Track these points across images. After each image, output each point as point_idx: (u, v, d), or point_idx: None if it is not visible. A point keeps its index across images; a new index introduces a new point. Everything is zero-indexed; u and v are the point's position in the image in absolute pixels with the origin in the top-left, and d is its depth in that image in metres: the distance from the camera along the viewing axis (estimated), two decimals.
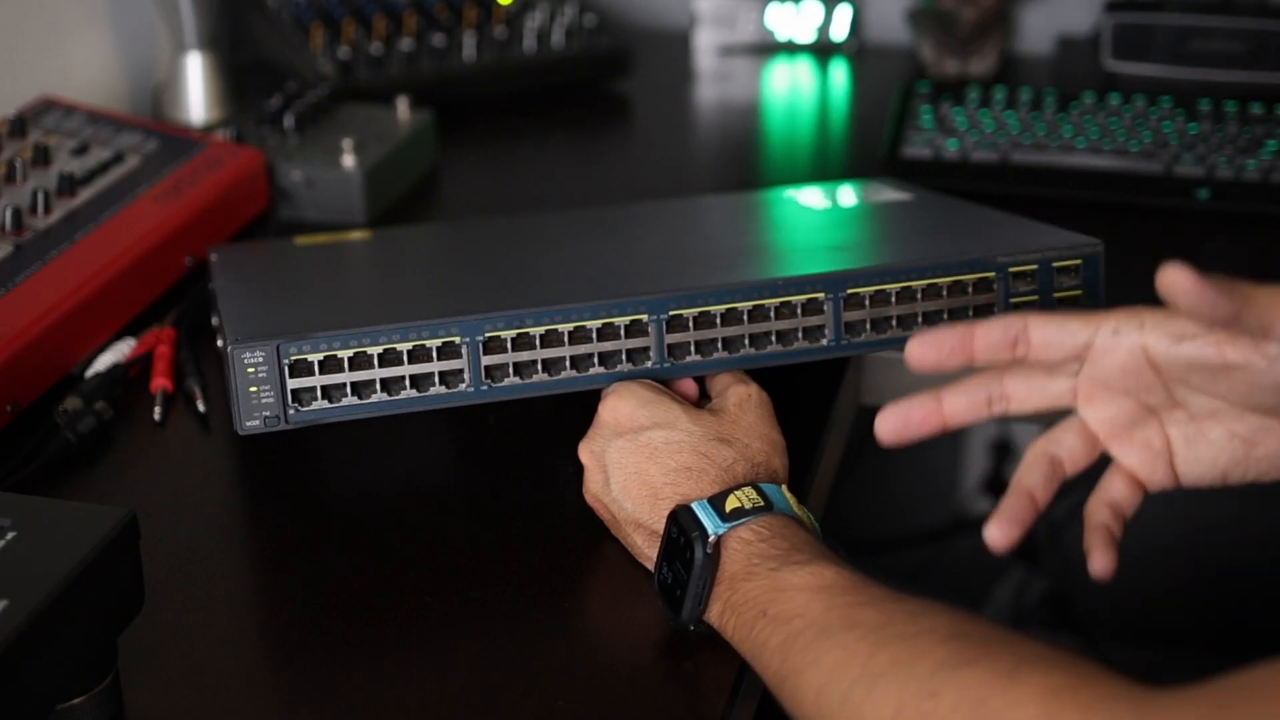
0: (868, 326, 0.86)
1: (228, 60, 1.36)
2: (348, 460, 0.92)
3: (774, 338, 0.85)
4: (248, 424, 0.80)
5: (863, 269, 0.86)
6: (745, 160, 1.41)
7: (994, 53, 1.50)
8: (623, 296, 0.83)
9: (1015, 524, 0.73)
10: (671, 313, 0.83)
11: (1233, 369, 0.68)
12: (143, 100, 1.39)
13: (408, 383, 0.81)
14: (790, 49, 1.62)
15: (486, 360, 0.82)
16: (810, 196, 1.09)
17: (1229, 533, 1.82)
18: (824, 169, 1.38)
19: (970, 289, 0.87)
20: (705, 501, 0.75)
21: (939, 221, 1.01)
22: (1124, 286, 0.94)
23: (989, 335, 0.72)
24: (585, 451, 0.82)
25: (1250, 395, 0.69)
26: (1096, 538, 0.75)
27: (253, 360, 0.79)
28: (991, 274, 0.87)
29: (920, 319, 0.87)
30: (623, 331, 0.83)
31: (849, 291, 0.85)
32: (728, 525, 0.73)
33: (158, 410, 0.94)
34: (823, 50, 1.61)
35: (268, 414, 0.80)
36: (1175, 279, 0.64)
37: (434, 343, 0.81)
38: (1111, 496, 0.75)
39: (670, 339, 0.84)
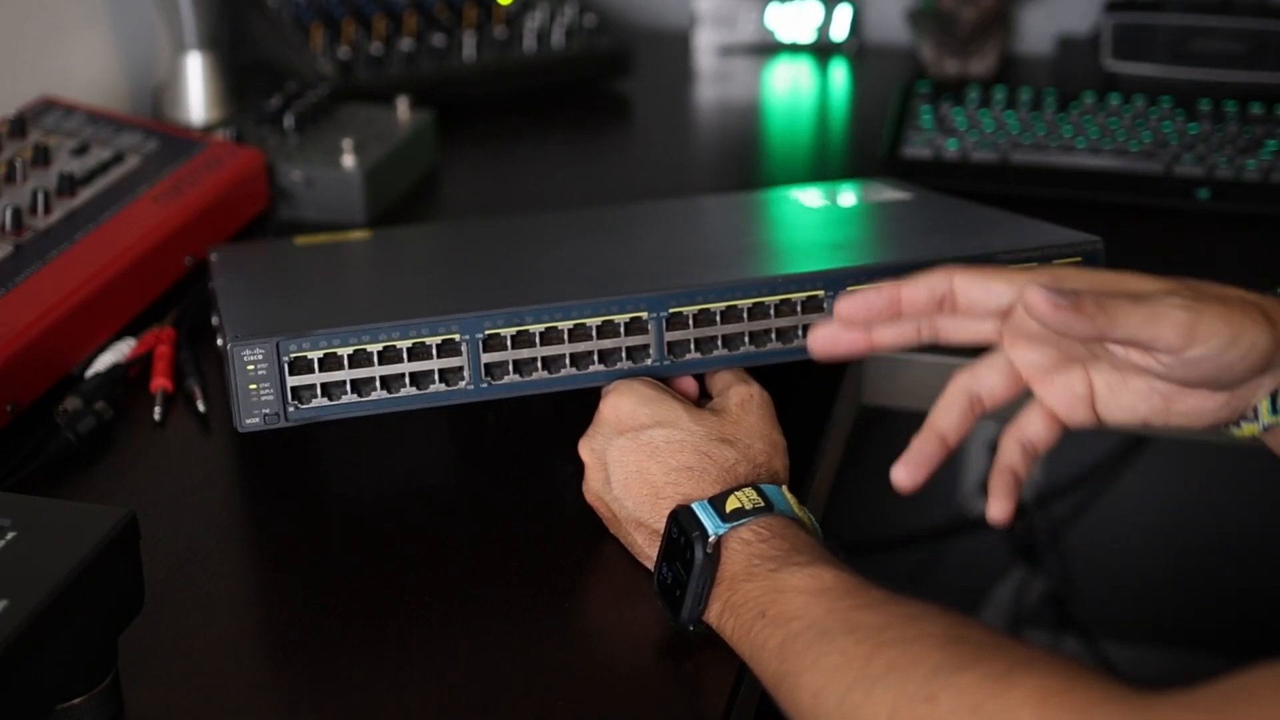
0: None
1: (228, 60, 1.36)
2: (348, 460, 0.92)
3: (774, 335, 0.85)
4: (247, 421, 0.80)
5: (862, 267, 0.86)
6: (745, 160, 1.41)
7: (994, 53, 1.50)
8: (623, 294, 0.83)
9: (922, 466, 0.75)
10: (671, 310, 0.83)
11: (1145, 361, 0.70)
12: (143, 100, 1.39)
13: (407, 380, 0.81)
14: (790, 49, 1.62)
15: (486, 358, 0.82)
16: (810, 196, 1.09)
17: (1229, 533, 1.83)
18: (824, 169, 1.38)
19: None
20: (706, 502, 0.75)
21: (939, 221, 1.01)
22: None
23: (915, 297, 0.73)
24: (586, 449, 0.82)
25: (1168, 373, 0.70)
26: (1001, 481, 0.76)
27: (252, 358, 0.79)
28: None
29: None
30: (623, 329, 0.83)
31: (849, 290, 0.85)
32: (728, 526, 0.73)
33: (158, 410, 0.94)
34: (823, 50, 1.61)
35: (267, 411, 0.80)
36: (1032, 302, 0.67)
37: (434, 340, 0.81)
38: (1027, 435, 0.77)
39: (670, 337, 0.84)
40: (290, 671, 0.76)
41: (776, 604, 0.69)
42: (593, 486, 0.81)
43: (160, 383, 0.96)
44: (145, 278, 1.03)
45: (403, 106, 1.29)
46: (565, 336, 0.82)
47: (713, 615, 0.73)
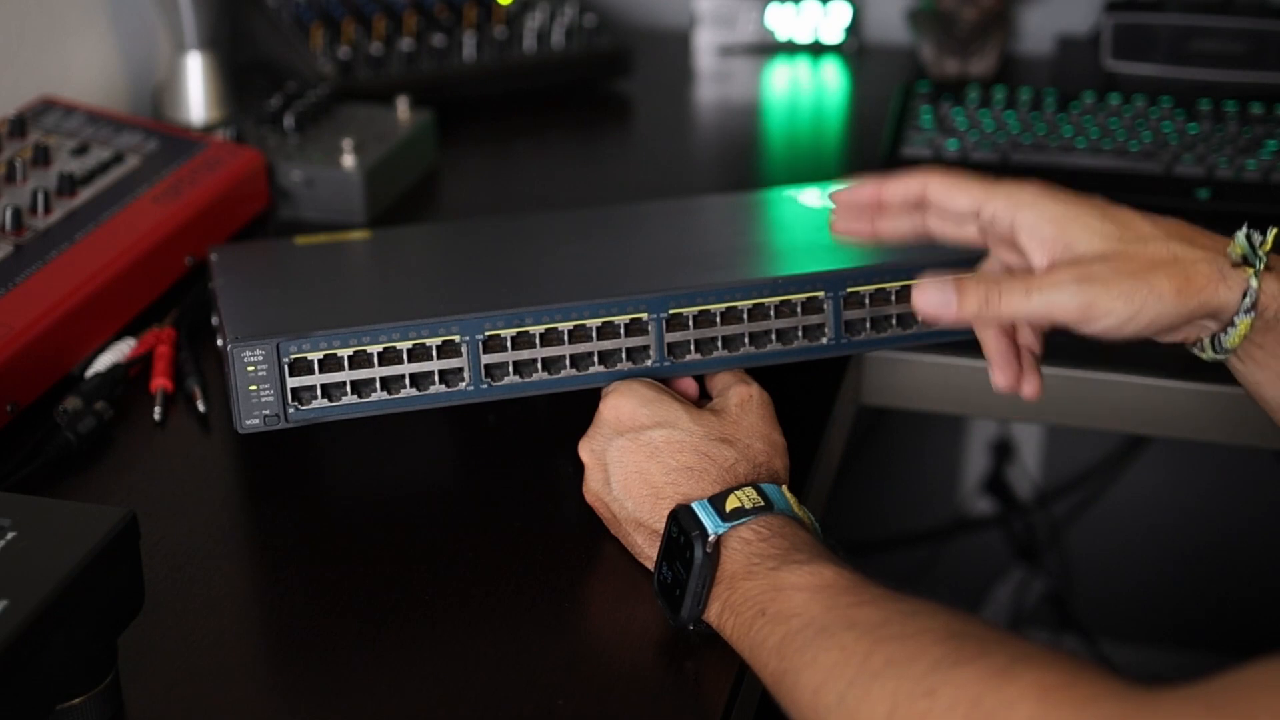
0: (868, 325, 0.86)
1: (228, 60, 1.36)
2: (348, 460, 0.92)
3: (774, 336, 0.85)
4: (248, 423, 0.80)
5: (862, 268, 0.86)
6: (745, 160, 1.41)
7: (994, 53, 1.50)
8: (623, 295, 0.83)
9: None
10: (671, 311, 0.83)
11: None
12: (143, 100, 1.39)
13: (407, 381, 0.81)
14: (790, 49, 1.62)
15: (486, 359, 0.82)
16: (810, 196, 1.09)
17: (1229, 533, 1.83)
18: (824, 169, 1.38)
19: None
20: (705, 501, 0.75)
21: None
22: None
23: (894, 194, 0.81)
24: (586, 450, 0.82)
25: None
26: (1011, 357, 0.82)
27: (252, 359, 0.79)
28: None
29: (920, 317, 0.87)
30: (623, 330, 0.83)
31: (849, 290, 0.85)
32: (728, 525, 0.73)
33: (158, 410, 0.94)
34: (823, 50, 1.61)
35: (267, 413, 0.80)
36: (915, 307, 0.75)
37: (434, 341, 0.81)
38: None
39: (670, 337, 0.84)
40: (290, 671, 0.76)
41: (776, 602, 0.69)
42: (593, 487, 0.81)
43: (160, 383, 0.96)
44: (145, 278, 1.03)
45: (403, 106, 1.29)
46: (565, 337, 0.82)
47: (712, 614, 0.73)
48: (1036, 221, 0.75)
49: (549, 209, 1.24)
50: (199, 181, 1.10)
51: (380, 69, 1.40)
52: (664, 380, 0.84)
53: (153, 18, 1.36)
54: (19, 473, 0.87)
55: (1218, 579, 1.85)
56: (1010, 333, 0.81)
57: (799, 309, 0.85)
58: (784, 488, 0.78)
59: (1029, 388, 0.82)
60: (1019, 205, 0.76)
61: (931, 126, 1.30)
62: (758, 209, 1.10)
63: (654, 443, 0.79)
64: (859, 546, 1.76)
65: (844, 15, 1.60)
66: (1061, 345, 0.90)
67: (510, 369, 0.82)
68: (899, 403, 1.07)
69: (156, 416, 0.94)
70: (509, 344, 0.82)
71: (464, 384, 0.82)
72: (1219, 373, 0.98)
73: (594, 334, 0.83)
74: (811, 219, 1.06)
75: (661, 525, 0.77)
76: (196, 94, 1.34)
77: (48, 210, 1.03)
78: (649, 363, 0.84)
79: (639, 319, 0.83)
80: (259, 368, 0.79)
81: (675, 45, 1.63)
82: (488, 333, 0.81)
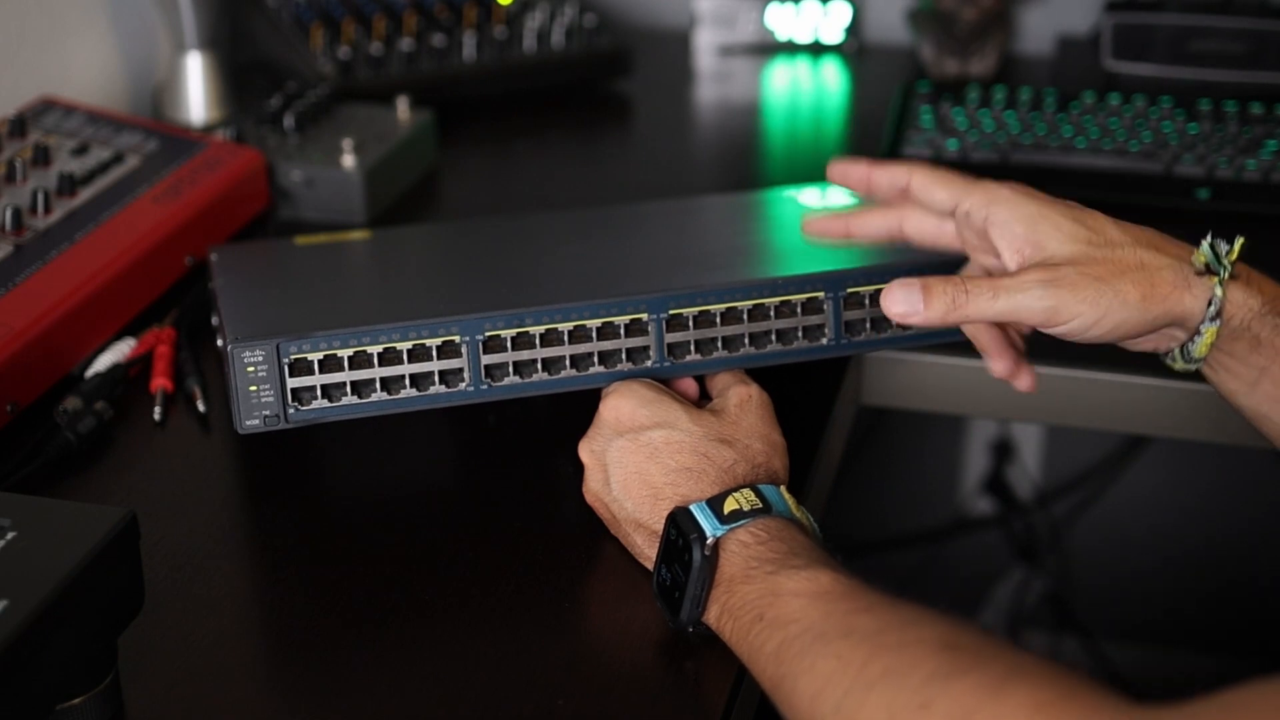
0: (868, 326, 0.86)
1: (228, 60, 1.36)
2: (348, 460, 0.92)
3: (774, 337, 0.85)
4: (248, 423, 0.80)
5: (863, 268, 0.86)
6: (745, 160, 1.41)
7: (994, 53, 1.50)
8: (623, 295, 0.83)
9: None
10: (671, 312, 0.83)
11: None
12: (143, 100, 1.39)
13: (407, 382, 0.81)
14: (790, 49, 1.62)
15: (486, 359, 0.82)
16: (810, 196, 1.09)
17: (1229, 533, 1.83)
18: (824, 169, 1.38)
19: None
20: (704, 503, 0.75)
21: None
22: None
23: (880, 181, 0.84)
24: (586, 450, 0.82)
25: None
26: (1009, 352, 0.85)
27: (252, 359, 0.79)
28: None
29: None
30: (623, 330, 0.83)
31: (849, 291, 0.86)
32: (726, 528, 0.73)
33: (158, 410, 0.94)
34: (823, 50, 1.61)
35: (268, 413, 0.80)
36: (884, 307, 0.78)
37: (434, 342, 0.81)
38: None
39: (670, 338, 0.84)
40: (290, 671, 0.76)
41: (774, 607, 0.69)
42: (592, 487, 0.81)
43: (160, 383, 0.96)
44: (145, 278, 1.03)
45: (403, 106, 1.29)
46: (565, 338, 0.82)
47: (711, 617, 0.73)
48: (1009, 219, 0.77)
49: (549, 209, 1.24)
50: (199, 181, 1.10)
51: (380, 69, 1.40)
52: (664, 381, 0.84)
53: (153, 18, 1.36)
54: (19, 473, 0.87)
55: (1218, 579, 1.85)
56: (999, 325, 0.82)
57: (799, 309, 0.85)
58: (783, 489, 0.78)
59: (1025, 379, 0.84)
60: (993, 201, 0.78)
61: (931, 126, 1.30)
62: (758, 209, 1.10)
63: (653, 443, 0.79)
64: (859, 546, 1.77)
65: (844, 15, 1.60)
66: (1062, 346, 0.90)
67: (510, 369, 0.82)
68: (899, 403, 1.07)
69: (156, 416, 0.94)
70: (509, 344, 0.82)
71: (464, 384, 0.82)
72: None
73: (594, 334, 0.83)
74: None
75: (661, 526, 0.77)
76: (196, 94, 1.34)
77: (48, 210, 1.03)
78: (649, 363, 0.84)
79: (639, 319, 0.83)
80: (259, 368, 0.79)
81: (675, 45, 1.63)
82: (488, 333, 0.81)
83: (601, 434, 0.81)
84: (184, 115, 1.34)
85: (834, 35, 1.60)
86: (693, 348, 0.84)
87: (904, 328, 0.87)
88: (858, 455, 1.54)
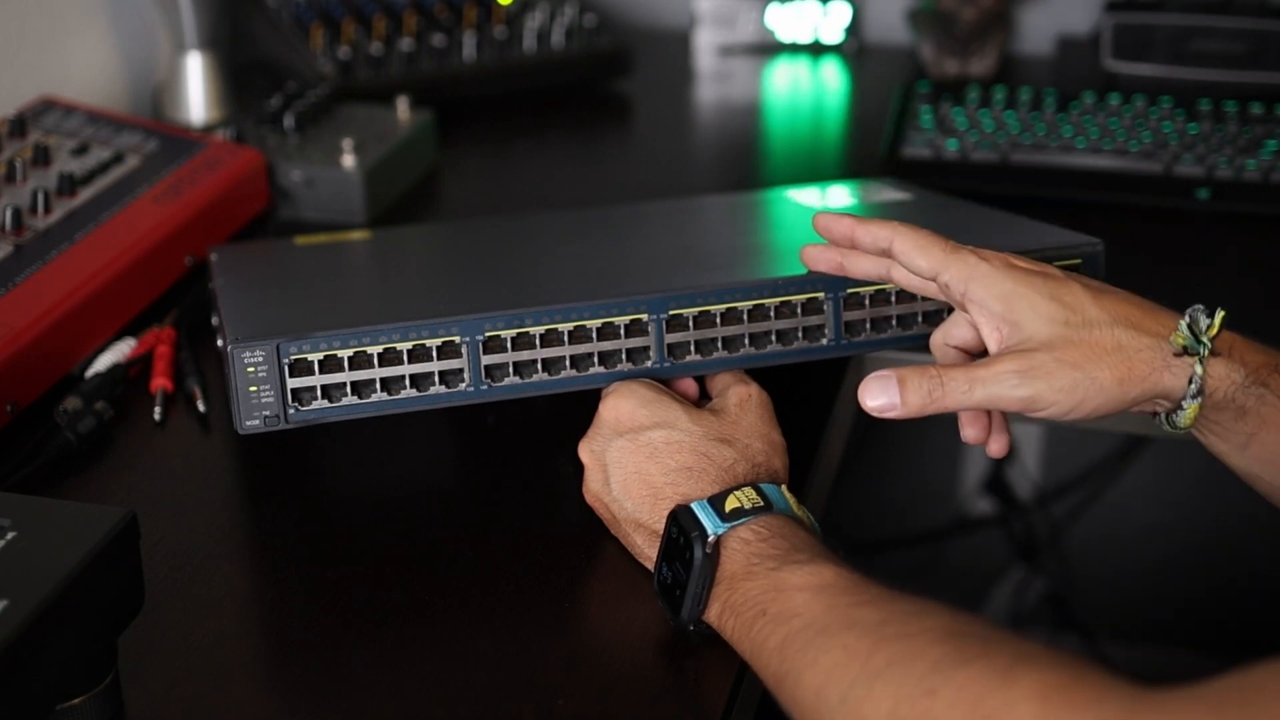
0: (868, 326, 0.86)
1: (228, 60, 1.36)
2: (348, 460, 0.92)
3: (774, 337, 0.85)
4: (248, 424, 0.80)
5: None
6: (745, 160, 1.41)
7: (994, 53, 1.50)
8: (623, 296, 0.83)
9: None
10: (671, 312, 0.83)
11: None
12: (143, 100, 1.39)
13: (408, 382, 0.81)
14: (790, 49, 1.62)
15: (486, 360, 0.82)
16: (810, 196, 1.09)
17: (1229, 533, 1.83)
18: (824, 169, 1.38)
19: None
20: (705, 501, 0.75)
21: (939, 221, 1.01)
22: (1124, 286, 0.94)
23: (863, 240, 0.82)
24: (585, 451, 0.82)
25: None
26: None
27: (253, 360, 0.79)
28: None
29: (920, 318, 0.87)
30: (623, 331, 0.83)
31: (849, 291, 0.85)
32: (727, 525, 0.73)
33: (158, 410, 0.94)
34: (822, 50, 1.61)
35: (268, 414, 0.80)
36: (862, 402, 0.76)
37: (434, 342, 0.81)
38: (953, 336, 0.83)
39: (670, 338, 0.84)
40: (290, 671, 0.76)
41: (777, 602, 0.69)
42: (592, 487, 0.81)
43: (160, 383, 0.96)
44: (145, 278, 1.03)
45: (403, 106, 1.29)
46: (565, 338, 0.82)
47: (713, 615, 0.73)
48: (985, 297, 0.76)
49: (549, 209, 1.24)
50: (199, 181, 1.10)
51: (380, 69, 1.40)
52: (664, 381, 0.84)
53: (153, 18, 1.36)
54: (19, 473, 0.87)
55: (1217, 579, 1.85)
56: None
57: (799, 310, 0.85)
58: (783, 487, 0.78)
59: (996, 446, 0.83)
60: (971, 278, 0.76)
61: (931, 126, 1.30)
62: (758, 209, 1.10)
63: (653, 443, 0.79)
64: (859, 546, 1.76)
65: (844, 15, 1.60)
66: None
67: (510, 370, 0.82)
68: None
69: (156, 416, 0.94)
70: (509, 345, 0.82)
71: (464, 385, 0.82)
72: None
73: (594, 335, 0.83)
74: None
75: (661, 525, 0.77)
76: (196, 94, 1.34)
77: (48, 210, 1.03)
78: (649, 363, 0.84)
79: (639, 320, 0.83)
80: (259, 368, 0.79)
81: (675, 45, 1.63)
82: (488, 333, 0.81)
83: (601, 434, 0.81)
84: (184, 115, 1.34)
85: (834, 35, 1.60)
86: (693, 348, 0.84)
87: (916, 326, 0.87)
88: (858, 455, 1.54)
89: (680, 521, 0.74)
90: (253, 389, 0.80)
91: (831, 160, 1.41)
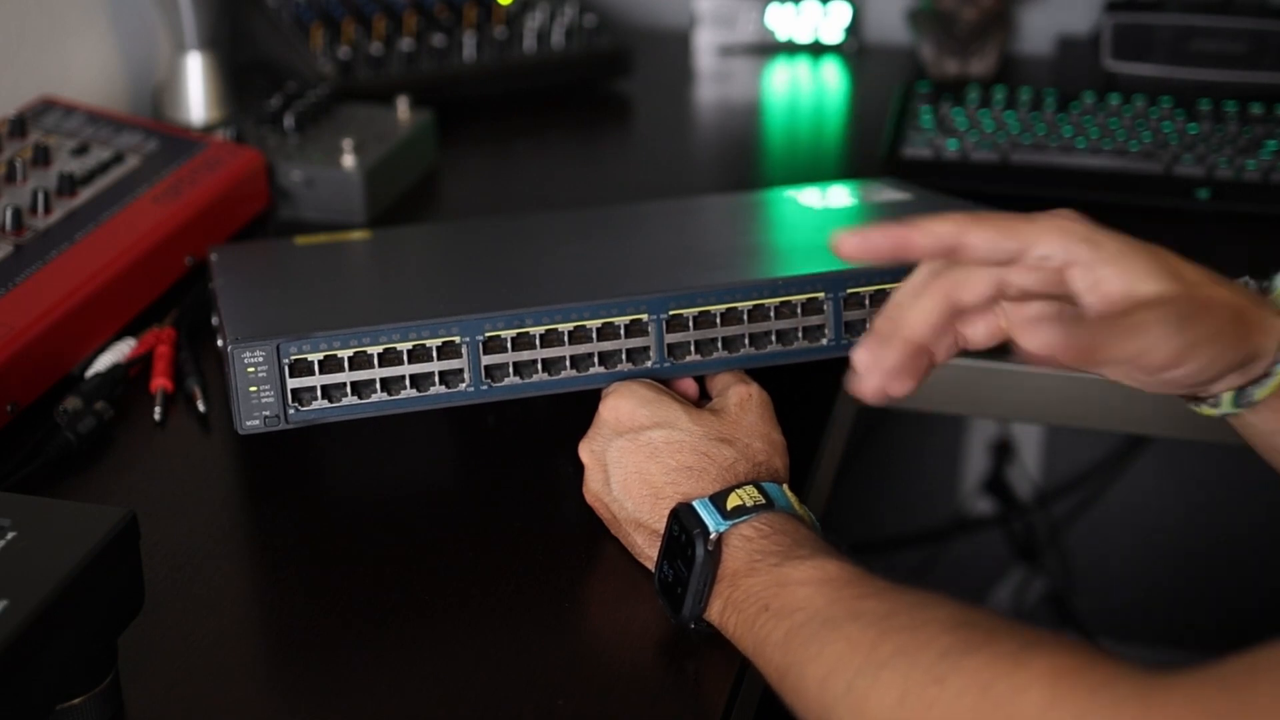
0: (868, 326, 0.86)
1: (228, 60, 1.36)
2: (348, 460, 0.92)
3: (774, 337, 0.85)
4: (248, 424, 0.80)
5: (863, 268, 0.86)
6: (745, 160, 1.41)
7: (994, 53, 1.50)
8: (623, 296, 0.83)
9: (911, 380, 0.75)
10: (671, 312, 0.83)
11: None
12: (143, 100, 1.39)
13: (408, 382, 0.81)
14: (790, 49, 1.62)
15: (486, 360, 0.82)
16: (810, 196, 1.09)
17: (1229, 533, 1.83)
18: (824, 169, 1.38)
19: None
20: (706, 499, 0.75)
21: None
22: None
23: (922, 246, 0.74)
24: (586, 451, 0.82)
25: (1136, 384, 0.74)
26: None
27: (253, 360, 0.79)
28: None
29: None
30: (623, 331, 0.83)
31: (849, 291, 0.85)
32: (729, 523, 0.73)
33: (158, 410, 0.94)
34: (822, 50, 1.61)
35: (268, 414, 0.80)
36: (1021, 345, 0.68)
37: (434, 342, 0.81)
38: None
39: (670, 338, 0.84)
40: (290, 671, 0.76)
41: (780, 597, 0.69)
42: (592, 487, 0.81)
43: (160, 383, 0.96)
44: (145, 278, 1.03)
45: (403, 106, 1.29)
46: (565, 338, 0.82)
47: (714, 612, 0.73)
48: (1094, 258, 0.71)
49: (549, 209, 1.24)
50: (199, 181, 1.10)
51: (380, 69, 1.40)
52: (664, 381, 0.84)
53: (153, 18, 1.36)
54: (19, 473, 0.87)
55: (1218, 579, 1.85)
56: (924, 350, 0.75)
57: (799, 310, 0.85)
58: (784, 486, 0.78)
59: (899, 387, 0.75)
60: (1070, 242, 0.71)
61: (931, 126, 1.30)
62: (758, 209, 1.10)
63: (653, 443, 0.79)
64: (859, 547, 1.76)
65: (844, 15, 1.60)
66: None
67: (510, 370, 0.82)
68: (899, 403, 1.07)
69: (156, 416, 0.94)
70: (509, 345, 0.82)
71: (464, 385, 0.82)
72: None
73: (594, 335, 0.83)
74: (812, 219, 1.06)
75: (661, 525, 0.77)
76: (196, 94, 1.34)
77: (48, 210, 1.03)
78: (649, 364, 0.84)
79: (639, 320, 0.83)
80: (259, 369, 0.79)
81: (675, 45, 1.63)
82: (488, 334, 0.81)
83: (601, 434, 0.81)
84: (184, 115, 1.34)
85: (834, 35, 1.60)
86: (693, 348, 0.84)
87: None
88: (858, 455, 1.54)
89: (682, 519, 0.74)
90: (253, 389, 0.80)
91: (831, 160, 1.41)
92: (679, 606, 0.74)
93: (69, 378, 0.96)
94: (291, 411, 0.80)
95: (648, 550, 0.78)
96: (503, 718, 0.71)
